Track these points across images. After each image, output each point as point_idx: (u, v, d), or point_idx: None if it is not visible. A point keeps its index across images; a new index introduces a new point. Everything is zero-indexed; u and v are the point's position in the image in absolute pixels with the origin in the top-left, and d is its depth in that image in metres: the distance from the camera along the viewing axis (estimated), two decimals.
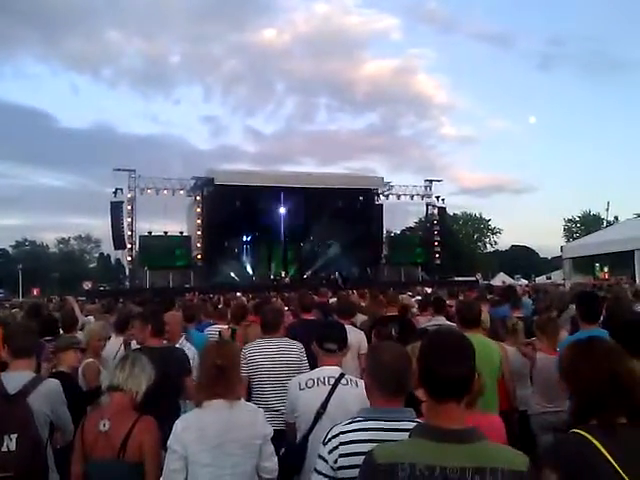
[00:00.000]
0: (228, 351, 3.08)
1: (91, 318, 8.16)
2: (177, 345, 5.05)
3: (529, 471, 1.76)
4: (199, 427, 2.85)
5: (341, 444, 2.37)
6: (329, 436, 2.44)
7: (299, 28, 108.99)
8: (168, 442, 2.86)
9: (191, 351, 5.01)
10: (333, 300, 10.17)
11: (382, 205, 40.05)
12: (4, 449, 3.24)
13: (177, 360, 4.38)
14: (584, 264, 32.80)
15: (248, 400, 4.24)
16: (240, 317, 6.83)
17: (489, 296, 10.22)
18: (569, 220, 69.55)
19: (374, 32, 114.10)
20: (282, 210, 36.10)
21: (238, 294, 18.79)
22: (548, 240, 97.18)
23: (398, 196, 40.19)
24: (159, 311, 5.06)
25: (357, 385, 3.25)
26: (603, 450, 1.84)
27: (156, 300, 8.92)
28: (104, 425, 2.98)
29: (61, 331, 5.92)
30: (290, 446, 3.44)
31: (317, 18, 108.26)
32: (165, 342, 4.72)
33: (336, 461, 2.36)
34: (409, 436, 1.94)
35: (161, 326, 4.56)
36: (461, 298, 8.93)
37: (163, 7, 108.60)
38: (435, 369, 1.85)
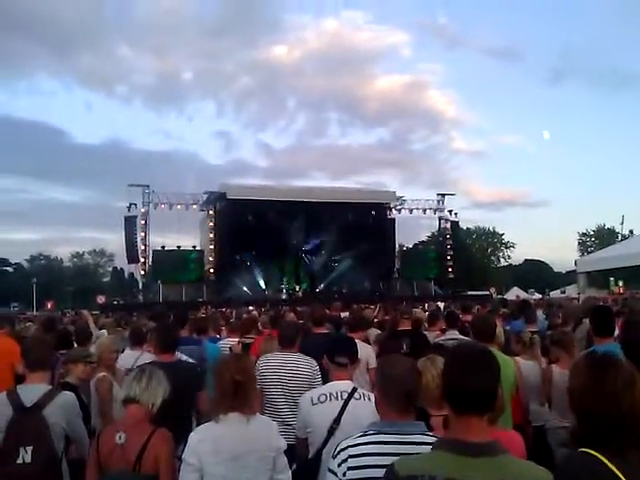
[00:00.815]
0: (245, 366, 3.11)
1: (104, 332, 8.20)
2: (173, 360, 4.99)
3: None
4: (214, 440, 2.87)
5: (350, 457, 2.37)
6: (338, 449, 2.44)
7: (310, 44, 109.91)
8: (183, 454, 2.88)
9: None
10: (345, 314, 10.15)
11: (394, 219, 40.02)
12: (19, 461, 3.27)
13: (190, 375, 4.36)
14: (599, 278, 32.51)
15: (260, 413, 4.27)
16: (248, 331, 6.88)
17: (502, 310, 10.17)
18: (583, 234, 69.19)
19: (384, 48, 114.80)
20: (294, 224, 36.15)
21: (250, 308, 18.82)
22: (562, 254, 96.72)
23: (410, 210, 40.16)
24: (167, 326, 5.07)
25: (370, 399, 3.24)
26: (616, 470, 1.79)
27: (168, 314, 8.94)
28: (120, 437, 3.00)
29: (75, 345, 5.97)
30: (302, 461, 3.43)
31: (327, 34, 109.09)
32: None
33: (345, 474, 2.36)
34: (431, 449, 1.94)
35: (169, 341, 4.54)
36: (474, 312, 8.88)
37: (175, 24, 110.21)
38: (460, 382, 1.84)
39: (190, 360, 5.01)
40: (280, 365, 4.66)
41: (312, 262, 39.28)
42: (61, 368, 4.62)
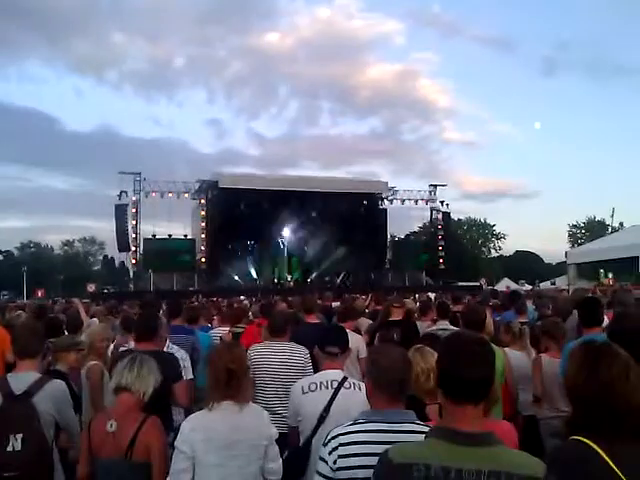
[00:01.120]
0: (239, 354, 3.12)
1: (96, 320, 8.18)
2: (164, 348, 4.98)
3: (545, 477, 1.75)
4: (207, 428, 2.89)
5: (341, 445, 2.39)
6: (329, 437, 2.46)
7: (302, 32, 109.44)
8: (175, 442, 2.90)
9: (180, 353, 4.99)
10: (336, 304, 10.18)
11: (386, 210, 40.06)
12: (9, 449, 3.27)
13: (166, 364, 4.23)
14: (589, 270, 32.72)
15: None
16: (239, 320, 6.89)
17: (493, 301, 10.23)
18: (574, 226, 69.60)
19: (377, 36, 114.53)
20: (286, 214, 36.11)
21: (242, 297, 18.82)
22: (553, 246, 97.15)
23: (402, 201, 40.19)
24: (146, 315, 5.04)
25: (360, 389, 3.27)
26: (607, 459, 1.80)
27: (158, 303, 8.92)
28: (111, 425, 3.00)
29: (66, 333, 5.96)
30: (293, 449, 3.45)
31: (320, 22, 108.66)
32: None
33: (335, 462, 2.37)
34: (425, 437, 1.95)
35: (146, 330, 4.45)
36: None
37: (167, 10, 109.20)
38: (454, 371, 1.85)
39: (176, 349, 5.01)
40: (271, 354, 4.68)
41: (304, 252, 39.30)
42: (50, 356, 4.59)
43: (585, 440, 1.87)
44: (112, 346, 5.51)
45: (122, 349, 4.89)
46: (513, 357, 5.19)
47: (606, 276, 33.70)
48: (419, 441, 1.98)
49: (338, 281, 35.34)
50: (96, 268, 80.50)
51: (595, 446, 1.84)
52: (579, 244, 56.01)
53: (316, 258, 38.57)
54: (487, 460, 1.76)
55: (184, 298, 19.48)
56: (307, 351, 4.66)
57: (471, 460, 1.76)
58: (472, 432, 1.80)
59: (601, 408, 1.89)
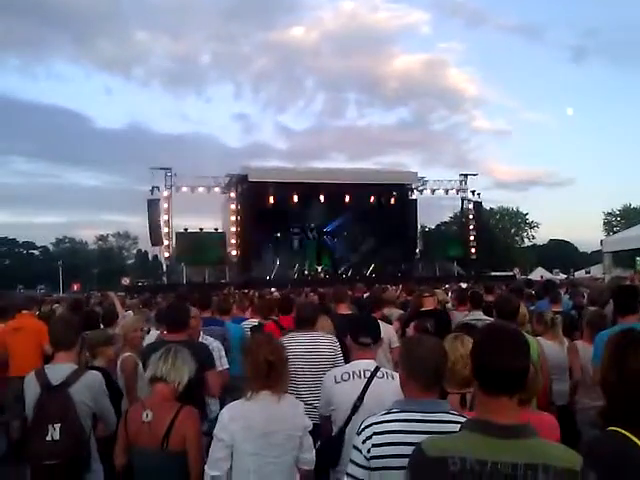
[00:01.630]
0: (278, 347, 3.15)
1: (130, 313, 8.32)
2: (199, 339, 5.01)
3: (582, 470, 1.71)
4: (246, 417, 2.92)
5: (375, 434, 2.38)
6: (363, 426, 2.46)
7: (327, 25, 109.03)
8: (215, 431, 2.94)
9: (216, 344, 5.04)
10: (367, 294, 10.16)
11: (416, 200, 39.75)
12: (48, 438, 3.36)
13: (197, 354, 4.34)
14: (625, 258, 32.02)
15: None
16: (269, 312, 6.92)
17: (527, 290, 10.08)
18: (609, 213, 67.98)
19: (403, 27, 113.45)
20: (315, 206, 36.11)
21: (272, 289, 18.92)
22: (587, 234, 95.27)
23: (432, 191, 39.81)
24: (175, 306, 5.09)
25: (393, 378, 3.25)
26: None
27: (191, 295, 9.02)
28: (147, 415, 3.05)
29: (102, 326, 6.07)
30: (326, 439, 3.46)
31: (345, 14, 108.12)
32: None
33: (369, 450, 2.37)
34: (460, 429, 1.92)
35: (176, 321, 4.48)
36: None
37: (191, 7, 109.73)
38: (490, 362, 1.82)
39: (211, 340, 5.07)
40: (301, 344, 4.67)
41: (334, 244, 39.28)
42: (87, 351, 4.68)
43: (622, 431, 1.82)
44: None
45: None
46: (545, 347, 5.11)
47: None
48: (453, 434, 1.95)
49: (368, 272, 35.20)
50: (130, 262, 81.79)
51: (633, 437, 1.79)
52: (614, 232, 54.72)
53: (346, 249, 38.52)
54: (523, 452, 1.72)
55: (216, 290, 19.69)
56: (336, 340, 4.66)
57: (507, 453, 1.72)
58: (507, 424, 1.77)
59: (633, 398, 1.84)
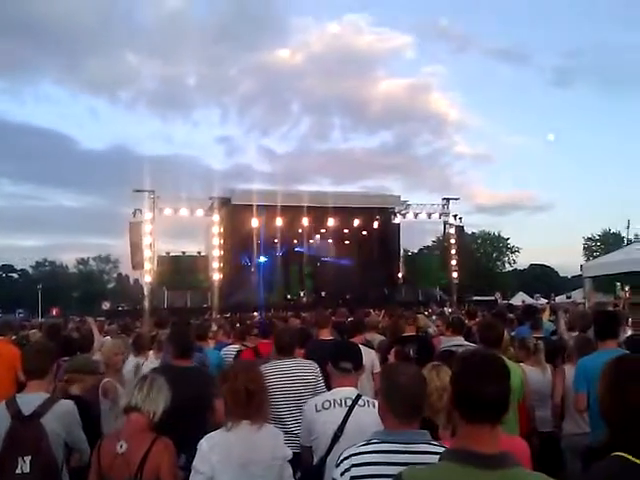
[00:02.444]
0: (257, 374, 3.09)
1: (108, 338, 8.18)
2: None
3: None
4: (225, 447, 2.85)
5: (353, 466, 2.33)
6: (341, 457, 2.41)
7: (312, 48, 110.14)
8: (194, 462, 2.86)
9: None
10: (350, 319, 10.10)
11: (399, 224, 39.95)
12: (18, 471, 3.25)
13: (201, 381, 4.23)
14: (605, 283, 32.34)
15: None
16: (245, 338, 6.87)
17: (508, 316, 10.09)
18: (589, 238, 68.73)
19: (387, 51, 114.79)
20: (299, 229, 36.11)
21: (255, 314, 18.79)
22: (568, 259, 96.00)
23: (415, 215, 40.02)
24: (183, 332, 5.04)
25: (374, 406, 3.20)
26: None
27: (175, 320, 8.92)
28: (121, 446, 2.97)
29: (78, 352, 5.95)
30: (307, 469, 3.40)
31: (330, 38, 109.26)
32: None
33: None
34: (440, 459, 1.88)
35: (185, 346, 4.50)
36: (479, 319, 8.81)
37: (178, 30, 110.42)
38: (471, 390, 1.78)
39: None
40: (282, 372, 4.59)
41: (317, 267, 39.23)
42: (65, 376, 4.58)
43: (625, 455, 1.77)
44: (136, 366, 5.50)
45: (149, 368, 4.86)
46: (528, 373, 5.09)
47: (622, 289, 33.29)
48: (433, 464, 1.91)
49: (350, 297, 35.13)
50: (111, 286, 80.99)
51: (636, 460, 1.74)
52: (594, 257, 55.33)
53: (329, 273, 38.48)
54: None
55: (198, 315, 19.50)
56: (317, 366, 4.60)
57: None
58: (489, 454, 1.72)
59: (635, 430, 1.81)
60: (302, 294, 36.75)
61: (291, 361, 4.71)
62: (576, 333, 7.00)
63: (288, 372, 4.60)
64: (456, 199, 41.68)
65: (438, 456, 2.26)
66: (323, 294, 36.83)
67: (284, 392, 4.50)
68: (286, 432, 4.09)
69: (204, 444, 2.90)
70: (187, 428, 3.28)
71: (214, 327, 9.65)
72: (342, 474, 2.34)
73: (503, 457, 1.75)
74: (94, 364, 4.97)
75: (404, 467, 2.23)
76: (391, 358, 5.67)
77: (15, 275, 79.56)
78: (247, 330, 7.15)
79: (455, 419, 1.86)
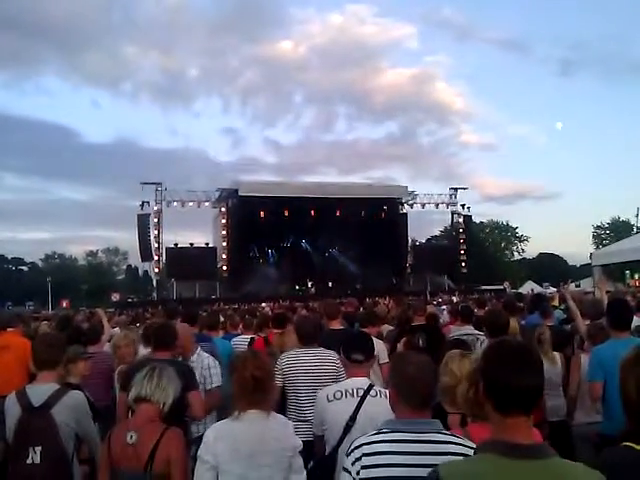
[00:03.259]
0: (264, 362, 3.07)
1: (117, 329, 8.20)
2: (193, 357, 4.91)
3: None
4: (232, 437, 2.83)
5: (364, 455, 2.31)
6: (352, 447, 2.39)
7: (315, 39, 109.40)
8: (199, 452, 2.85)
9: (209, 360, 4.92)
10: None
11: (406, 214, 39.86)
12: (29, 461, 3.27)
13: (179, 374, 4.21)
14: (614, 271, 32.19)
15: (282, 410, 4.23)
16: (261, 328, 6.84)
17: (518, 304, 10.04)
18: (598, 227, 68.53)
19: (390, 41, 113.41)
20: (306, 220, 36.11)
21: (263, 305, 18.82)
22: (577, 247, 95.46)
23: (423, 205, 39.99)
24: (163, 325, 5.00)
25: (386, 397, 3.18)
26: None
27: (175, 311, 8.91)
28: (131, 437, 2.96)
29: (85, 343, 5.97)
30: (319, 459, 3.39)
31: (333, 28, 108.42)
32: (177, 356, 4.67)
33: (358, 472, 2.30)
34: (477, 452, 1.84)
35: (165, 339, 4.41)
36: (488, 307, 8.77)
37: (180, 21, 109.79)
38: (507, 380, 1.73)
39: (206, 356, 4.95)
40: (303, 362, 4.61)
41: (324, 258, 39.26)
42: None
43: (636, 446, 1.76)
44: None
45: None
46: None
47: (632, 277, 33.14)
48: (472, 457, 1.87)
49: (358, 286, 35.16)
50: (120, 278, 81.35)
51: None
52: (604, 245, 55.04)
53: (337, 264, 38.53)
54: (545, 474, 1.65)
55: (206, 305, 19.56)
56: (337, 356, 4.59)
57: (529, 474, 1.65)
58: (528, 444, 1.69)
59: None
60: (310, 285, 36.79)
61: (313, 350, 4.71)
62: (587, 322, 6.97)
63: (309, 361, 4.62)
64: (464, 189, 41.64)
65: (448, 445, 2.26)
66: (330, 284, 36.89)
67: (304, 381, 4.52)
68: (306, 421, 4.13)
69: (210, 434, 2.88)
70: (170, 419, 3.24)
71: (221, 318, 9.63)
72: (353, 463, 2.33)
73: (541, 447, 1.72)
74: (83, 351, 4.99)
75: (415, 456, 2.23)
76: (400, 348, 5.66)
77: (25, 268, 79.98)
78: (266, 322, 7.13)
79: (487, 410, 1.81)
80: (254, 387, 2.89)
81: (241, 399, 2.92)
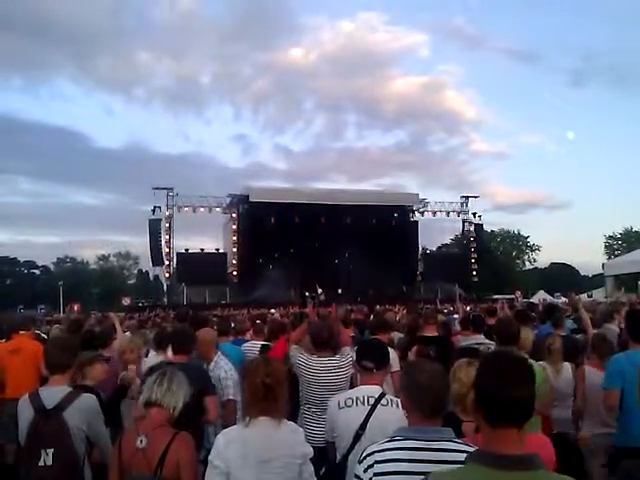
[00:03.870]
0: (275, 369, 3.05)
1: (128, 334, 8.23)
2: (212, 362, 4.97)
3: None
4: (242, 443, 2.83)
5: (376, 462, 2.32)
6: (365, 454, 2.40)
7: (326, 46, 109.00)
8: (210, 457, 2.85)
9: (227, 366, 4.95)
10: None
11: (417, 222, 39.78)
12: (41, 463, 3.28)
13: (195, 379, 4.11)
14: (627, 281, 31.91)
15: (296, 414, 4.28)
16: (276, 334, 6.82)
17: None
18: (610, 237, 67.92)
19: (401, 49, 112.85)
20: (317, 227, 36.12)
21: (272, 311, 18.80)
22: (588, 257, 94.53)
23: (434, 213, 39.89)
24: (182, 330, 5.05)
25: (398, 406, 3.18)
26: None
27: (186, 316, 8.94)
28: (141, 441, 2.97)
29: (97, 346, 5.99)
30: (330, 467, 3.39)
31: (344, 36, 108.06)
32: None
33: (370, 479, 2.30)
34: (465, 462, 1.83)
35: (184, 344, 4.52)
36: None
37: (192, 28, 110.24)
38: (496, 392, 1.73)
39: (224, 363, 4.97)
40: (320, 366, 4.59)
41: (335, 265, 39.19)
42: (76, 373, 4.61)
43: None
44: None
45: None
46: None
47: None
48: (460, 467, 1.87)
49: (369, 294, 35.07)
50: (131, 282, 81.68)
51: None
52: (616, 255, 54.62)
53: (347, 271, 38.45)
54: None
55: (216, 311, 19.59)
56: (352, 359, 4.61)
57: None
58: (514, 455, 1.69)
59: None
60: (320, 291, 36.72)
61: (331, 356, 4.70)
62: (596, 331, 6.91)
63: (326, 366, 4.59)
64: (475, 197, 41.50)
65: (460, 454, 2.25)
66: (340, 291, 36.80)
67: (325, 386, 4.52)
68: (316, 426, 4.23)
69: (221, 439, 2.89)
70: (186, 423, 3.26)
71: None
72: (365, 470, 2.33)
73: (528, 458, 1.70)
74: (100, 353, 5.01)
75: (427, 464, 2.23)
76: (411, 356, 5.64)
77: (37, 271, 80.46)
78: (282, 329, 7.13)
79: (479, 420, 1.82)
80: (265, 394, 2.89)
81: (252, 406, 2.92)
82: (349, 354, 4.72)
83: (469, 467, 1.77)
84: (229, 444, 2.83)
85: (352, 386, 4.29)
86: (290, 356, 4.83)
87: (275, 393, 2.93)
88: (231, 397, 4.72)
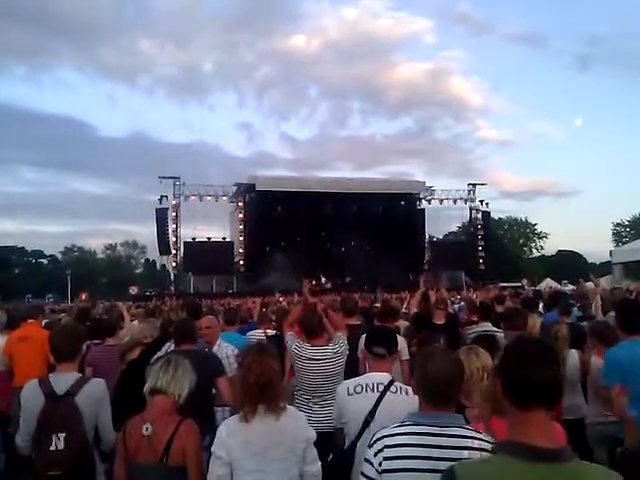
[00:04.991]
0: (269, 367, 2.94)
1: (135, 322, 8.26)
2: (215, 347, 5.09)
3: None
4: (243, 433, 2.81)
5: (386, 447, 2.31)
6: (375, 438, 2.39)
7: (330, 33, 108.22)
8: (212, 447, 2.84)
9: (229, 349, 5.08)
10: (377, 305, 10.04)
11: (424, 210, 39.68)
12: (52, 448, 3.29)
13: (207, 363, 4.26)
14: (635, 269, 31.76)
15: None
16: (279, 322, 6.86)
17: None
18: (618, 224, 67.65)
19: (406, 35, 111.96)
20: (323, 215, 36.10)
21: (277, 294, 18.78)
22: (596, 245, 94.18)
23: (440, 200, 39.78)
24: (184, 320, 5.13)
25: (407, 393, 3.17)
26: None
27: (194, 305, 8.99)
28: (147, 429, 2.97)
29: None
30: (338, 453, 3.38)
31: (347, 23, 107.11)
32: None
33: (380, 463, 2.30)
34: (493, 452, 1.81)
35: (188, 332, 4.57)
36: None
37: (195, 16, 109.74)
38: (527, 374, 1.70)
39: (226, 346, 5.12)
40: (316, 356, 4.61)
41: (341, 253, 39.21)
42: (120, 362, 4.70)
43: None
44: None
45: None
46: None
47: None
48: (487, 458, 1.84)
49: (375, 282, 35.08)
50: (138, 271, 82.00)
51: None
52: (624, 243, 54.36)
53: (353, 259, 38.45)
54: (563, 476, 1.61)
55: (223, 299, 19.64)
56: (343, 341, 4.69)
57: (547, 478, 1.61)
58: (547, 447, 1.65)
59: None
60: (325, 280, 36.77)
61: (321, 343, 4.72)
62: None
63: (319, 354, 4.62)
64: (482, 184, 41.32)
65: (471, 440, 2.25)
66: (347, 280, 36.85)
67: (322, 373, 4.55)
68: (312, 412, 4.26)
69: (223, 429, 2.87)
70: (197, 409, 3.28)
71: None
72: (375, 454, 2.32)
73: (562, 450, 1.68)
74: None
75: (436, 449, 2.23)
76: (413, 346, 5.63)
77: (45, 261, 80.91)
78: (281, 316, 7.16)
79: (505, 407, 1.78)
80: (258, 395, 2.85)
81: (248, 403, 2.87)
82: (342, 340, 4.73)
83: (500, 458, 1.72)
84: (230, 435, 2.82)
85: (360, 373, 4.29)
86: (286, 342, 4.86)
87: (268, 392, 2.87)
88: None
